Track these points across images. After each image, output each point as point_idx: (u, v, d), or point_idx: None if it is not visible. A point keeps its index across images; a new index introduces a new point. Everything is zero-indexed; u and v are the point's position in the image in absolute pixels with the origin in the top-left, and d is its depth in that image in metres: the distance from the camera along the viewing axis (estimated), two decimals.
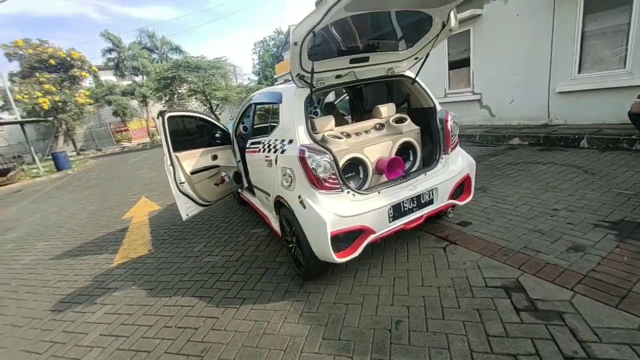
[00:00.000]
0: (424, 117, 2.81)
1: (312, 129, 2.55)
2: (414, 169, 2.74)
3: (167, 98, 19.86)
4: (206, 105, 20.39)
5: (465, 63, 7.63)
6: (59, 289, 3.24)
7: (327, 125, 2.54)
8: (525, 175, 4.09)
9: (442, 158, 2.61)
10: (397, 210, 2.32)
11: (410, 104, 3.00)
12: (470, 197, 2.76)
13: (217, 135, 3.91)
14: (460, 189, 2.70)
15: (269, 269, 2.87)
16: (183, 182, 3.40)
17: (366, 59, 2.45)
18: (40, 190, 10.87)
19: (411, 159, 2.79)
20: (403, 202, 2.32)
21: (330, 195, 2.13)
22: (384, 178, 2.48)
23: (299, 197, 2.21)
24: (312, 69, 2.09)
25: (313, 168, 2.05)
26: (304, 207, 2.17)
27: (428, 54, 2.60)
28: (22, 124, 14.57)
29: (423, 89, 2.77)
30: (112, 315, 2.64)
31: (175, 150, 3.33)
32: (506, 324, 1.81)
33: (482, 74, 7.28)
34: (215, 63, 20.02)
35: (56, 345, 2.35)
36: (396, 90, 3.18)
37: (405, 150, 2.75)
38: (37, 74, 18.72)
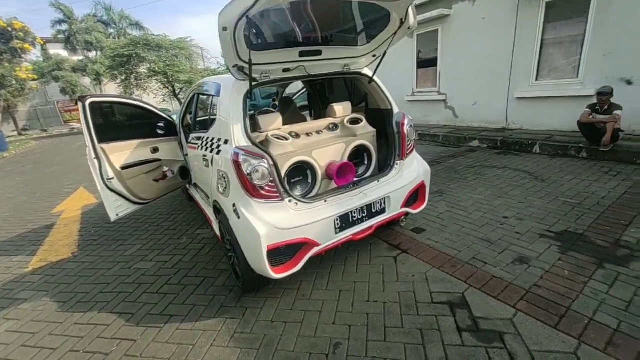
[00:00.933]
0: (381, 119, 2.63)
1: (256, 128, 2.28)
2: (368, 174, 2.57)
3: (123, 77, 18.22)
4: (168, 88, 19.03)
5: (433, 63, 7.64)
6: None
7: (273, 123, 2.28)
8: (481, 179, 4.12)
9: (397, 164, 2.46)
10: (345, 221, 2.13)
11: (368, 104, 2.82)
12: (424, 205, 2.65)
13: (160, 125, 3.49)
14: (415, 196, 2.57)
15: (207, 278, 2.58)
16: (112, 178, 2.97)
17: (318, 53, 2.20)
18: None
19: (366, 163, 2.61)
20: (352, 211, 2.14)
21: (269, 205, 1.88)
22: (334, 184, 2.28)
23: (234, 205, 1.95)
24: (250, 60, 1.80)
25: (248, 174, 1.79)
26: (238, 217, 1.91)
27: (386, 52, 2.41)
28: None
29: (380, 89, 2.58)
30: (14, 334, 2.23)
31: (101, 141, 2.88)
32: (447, 346, 1.70)
33: (448, 74, 7.33)
34: (178, 43, 18.61)
35: None
36: (355, 88, 2.98)
37: (359, 153, 2.57)
38: None
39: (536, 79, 5.81)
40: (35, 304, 2.53)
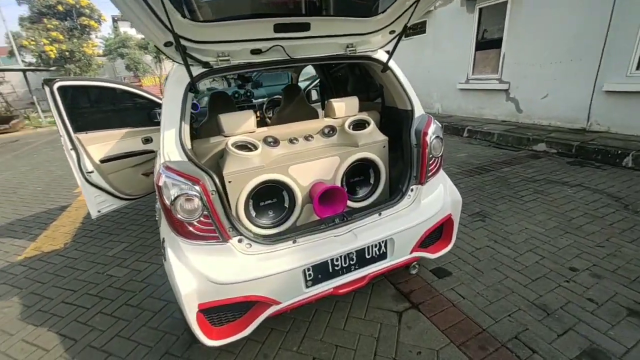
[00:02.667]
0: (397, 122, 1.91)
1: (218, 130, 1.72)
2: (373, 198, 1.89)
3: None
4: None
5: (495, 44, 6.30)
6: None
7: (242, 124, 1.70)
8: (543, 201, 3.13)
9: (411, 190, 1.74)
10: (322, 271, 1.52)
11: (384, 101, 2.09)
12: (449, 247, 1.91)
13: (157, 112, 3.10)
14: (436, 233, 1.85)
15: (169, 304, 2.18)
16: (91, 172, 2.68)
17: (305, 27, 1.53)
18: (31, 143, 10.59)
19: (371, 182, 1.92)
20: (333, 259, 1.51)
21: (205, 247, 1.34)
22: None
23: (163, 240, 1.45)
24: (176, 35, 1.21)
25: (171, 204, 1.25)
26: (164, 259, 1.41)
27: (406, 28, 1.64)
28: (24, 71, 14.16)
29: (398, 80, 1.83)
30: None
31: (78, 130, 2.57)
32: None
33: (515, 58, 5.98)
34: None
35: None
36: (371, 79, 2.25)
37: (363, 169, 1.89)
38: (45, 20, 18.02)
39: (637, 68, 4.36)
40: (2, 304, 2.37)
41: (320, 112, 3.19)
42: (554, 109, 5.52)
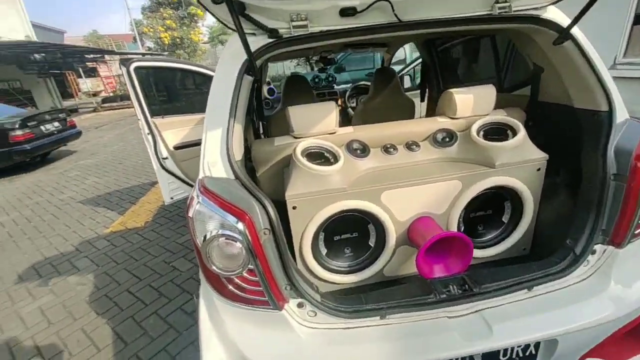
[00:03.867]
0: (569, 130, 1.16)
1: (290, 128, 1.26)
2: (500, 249, 1.22)
3: None
4: None
5: None
6: (49, 246, 3.02)
7: (318, 122, 1.21)
8: None
9: (592, 251, 1.00)
10: None
11: (537, 94, 1.33)
12: None
13: None
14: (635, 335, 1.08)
15: None
16: (166, 158, 2.57)
17: None
18: None
19: (505, 222, 1.24)
20: None
21: (247, 312, 0.90)
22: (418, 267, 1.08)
23: (198, 283, 1.07)
24: None
25: (203, 245, 0.82)
26: (196, 319, 1.03)
27: None
28: (143, 55, 16.46)
29: (586, 59, 1.06)
30: (37, 316, 2.10)
31: (154, 114, 2.46)
32: None
33: None
34: None
35: None
36: (513, 57, 1.50)
37: (493, 202, 1.22)
38: (161, 9, 20.55)
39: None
40: (80, 280, 2.46)
41: (418, 106, 2.50)
42: None
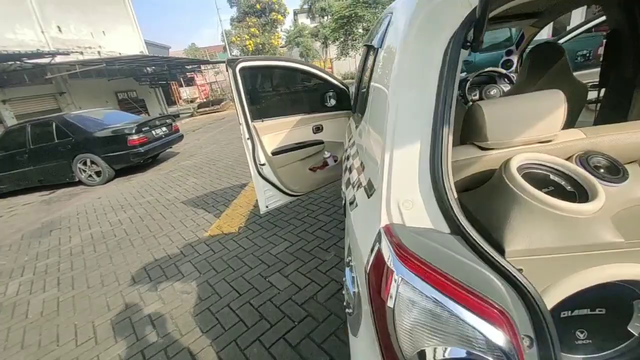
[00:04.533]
0: None
1: (478, 135, 0.83)
2: None
3: (341, 39, 19.38)
4: None
5: None
6: (157, 247, 3.19)
7: (534, 121, 0.74)
8: None
9: None
10: None
11: None
12: None
13: (329, 95, 2.58)
14: None
15: None
16: (264, 164, 2.40)
17: None
18: (232, 121, 13.23)
19: None
20: None
21: None
22: None
23: None
24: None
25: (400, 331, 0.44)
26: None
27: None
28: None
29: None
30: (147, 325, 2.16)
31: (255, 117, 2.29)
32: None
33: None
34: None
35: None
36: None
37: None
38: (247, 18, 22.09)
39: None
40: (184, 287, 2.46)
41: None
42: None
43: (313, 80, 2.54)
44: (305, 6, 30.81)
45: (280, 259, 2.60)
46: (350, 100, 2.69)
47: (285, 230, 3.05)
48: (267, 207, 2.59)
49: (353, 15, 17.34)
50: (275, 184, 2.54)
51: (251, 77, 2.27)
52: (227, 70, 2.12)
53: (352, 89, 2.72)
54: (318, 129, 2.60)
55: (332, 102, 2.60)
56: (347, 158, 1.52)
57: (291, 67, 2.40)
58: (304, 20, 31.23)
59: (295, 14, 31.92)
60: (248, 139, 2.33)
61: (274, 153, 2.41)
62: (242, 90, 2.14)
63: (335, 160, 2.74)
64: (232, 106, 19.01)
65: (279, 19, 21.59)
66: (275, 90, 2.52)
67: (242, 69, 2.10)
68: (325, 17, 28.49)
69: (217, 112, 17.80)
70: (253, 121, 2.28)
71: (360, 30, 18.71)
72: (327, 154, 2.65)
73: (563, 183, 0.70)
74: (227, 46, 18.30)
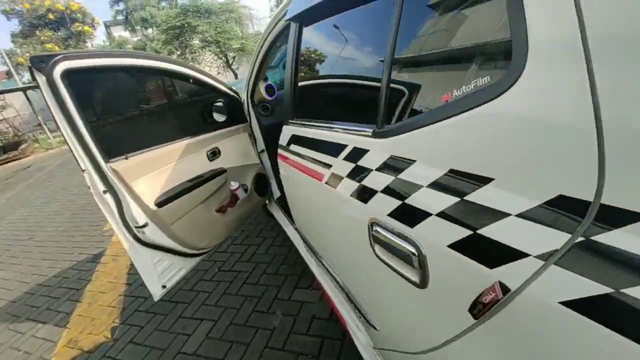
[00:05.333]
0: None
1: None
2: None
3: (178, 52, 17.49)
4: (221, 59, 17.92)
5: None
6: None
7: None
8: None
9: None
10: None
11: None
12: None
13: (219, 106, 1.87)
14: None
15: None
16: (144, 225, 1.47)
17: None
18: (44, 168, 9.66)
19: None
20: None
21: None
22: None
23: None
24: None
25: None
26: None
27: None
28: (24, 90, 13.17)
29: None
30: None
31: (112, 155, 1.35)
32: None
33: None
34: (227, 5, 17.05)
35: None
36: None
37: None
38: (37, 32, 16.90)
39: None
40: None
41: None
42: None
43: (196, 87, 1.77)
44: (120, 17, 26.56)
45: (205, 355, 1.71)
46: (247, 110, 2.08)
47: (195, 304, 2.11)
48: (164, 286, 1.64)
49: (186, 25, 15.88)
50: (170, 248, 1.64)
51: (89, 86, 1.31)
52: (33, 80, 1.11)
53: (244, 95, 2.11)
54: (214, 154, 1.85)
55: (222, 115, 1.91)
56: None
57: (161, 69, 1.53)
58: (121, 32, 26.81)
59: (107, 26, 27.04)
60: (104, 191, 1.36)
61: (160, 203, 1.51)
62: (73, 111, 1.18)
63: (246, 190, 2.05)
64: (39, 148, 14.02)
65: (86, 31, 17.40)
66: (140, 105, 1.60)
67: (68, 74, 1.14)
68: (151, 29, 25.30)
69: (16, 159, 12.75)
70: (109, 161, 1.33)
71: (197, 42, 17.38)
72: (233, 185, 1.93)
73: None
74: (12, 69, 13.27)
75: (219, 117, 1.88)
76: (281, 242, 2.54)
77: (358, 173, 0.76)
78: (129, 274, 2.70)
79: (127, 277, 2.66)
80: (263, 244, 2.61)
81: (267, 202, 2.41)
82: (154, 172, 1.50)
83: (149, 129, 1.58)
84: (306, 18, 1.12)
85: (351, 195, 0.78)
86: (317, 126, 1.07)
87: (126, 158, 1.39)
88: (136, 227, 1.47)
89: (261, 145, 2.19)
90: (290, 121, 1.25)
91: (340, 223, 0.92)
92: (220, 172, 1.85)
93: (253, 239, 2.72)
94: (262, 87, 2.05)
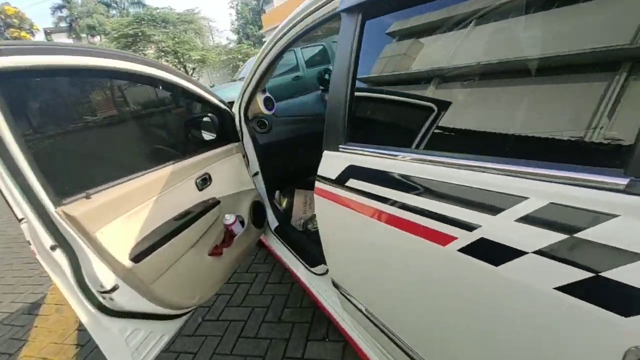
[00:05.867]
0: None
1: None
2: None
3: None
4: (180, 70, 17.04)
5: None
6: None
7: None
8: None
9: None
10: None
11: None
12: None
13: (206, 120, 1.52)
14: None
15: None
16: (113, 290, 1.05)
17: None
18: None
19: None
20: None
21: None
22: None
23: None
24: None
25: None
26: None
27: None
28: None
29: None
30: None
31: (66, 194, 0.93)
32: None
33: None
34: (186, 16, 16.39)
35: None
36: None
37: None
38: None
39: None
40: None
41: None
42: None
43: (179, 97, 1.39)
44: (64, 24, 24.55)
45: None
46: (239, 126, 1.74)
47: None
48: None
49: (140, 34, 14.86)
50: (149, 314, 1.21)
51: (31, 93, 0.89)
52: None
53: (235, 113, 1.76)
54: (205, 182, 1.46)
55: (211, 134, 1.56)
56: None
57: (132, 72, 1.13)
58: (64, 40, 24.74)
59: (48, 33, 24.79)
60: (54, 247, 0.93)
61: (137, 257, 1.09)
62: (3, 127, 0.77)
63: (243, 223, 1.68)
64: None
65: (23, 37, 15.53)
66: (107, 121, 1.17)
67: (6, 76, 0.73)
68: (98, 37, 23.55)
69: None
70: (62, 203, 0.90)
71: (152, 52, 16.31)
72: (228, 219, 1.55)
73: None
74: None
75: (207, 136, 1.52)
76: (279, 279, 2.16)
77: (584, 252, 0.42)
78: (80, 331, 2.14)
79: (77, 336, 2.09)
80: (256, 281, 2.21)
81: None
82: (128, 213, 1.09)
83: (121, 154, 1.17)
84: (375, 8, 0.81)
85: (565, 291, 0.43)
86: (424, 160, 0.68)
87: (87, 197, 0.97)
88: (101, 292, 1.04)
89: (255, 167, 1.85)
90: (342, 147, 0.90)
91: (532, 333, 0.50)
92: (214, 204, 1.46)
93: (242, 276, 2.30)
94: (260, 99, 1.73)
